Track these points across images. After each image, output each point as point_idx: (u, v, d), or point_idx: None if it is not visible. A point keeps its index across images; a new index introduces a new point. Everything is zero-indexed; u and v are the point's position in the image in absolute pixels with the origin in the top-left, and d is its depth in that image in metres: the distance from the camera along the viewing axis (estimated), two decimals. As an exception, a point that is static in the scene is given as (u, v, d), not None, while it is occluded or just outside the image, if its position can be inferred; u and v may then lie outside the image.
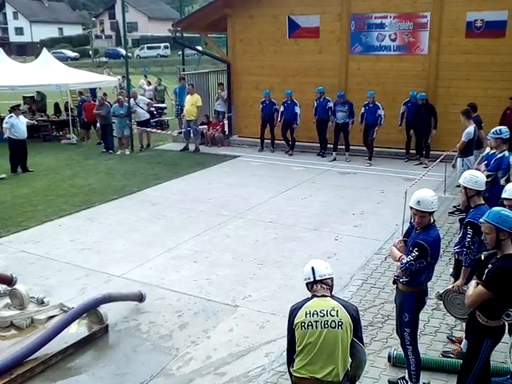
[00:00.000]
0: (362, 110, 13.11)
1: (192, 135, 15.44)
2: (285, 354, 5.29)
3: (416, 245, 4.26)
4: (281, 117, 14.18)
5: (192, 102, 15.23)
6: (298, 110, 14.01)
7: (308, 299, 3.58)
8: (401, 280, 4.45)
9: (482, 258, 4.33)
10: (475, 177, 5.04)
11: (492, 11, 12.50)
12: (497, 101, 12.23)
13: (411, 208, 4.33)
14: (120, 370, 5.16)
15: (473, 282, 3.94)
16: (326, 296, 3.56)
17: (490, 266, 3.84)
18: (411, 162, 13.13)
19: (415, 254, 4.23)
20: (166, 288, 6.80)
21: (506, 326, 4.18)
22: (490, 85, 12.64)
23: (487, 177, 7.08)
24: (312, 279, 3.58)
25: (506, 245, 3.84)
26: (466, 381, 4.03)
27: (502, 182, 7.28)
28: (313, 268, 3.58)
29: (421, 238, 4.27)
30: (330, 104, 13.71)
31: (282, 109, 14.15)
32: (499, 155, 7.61)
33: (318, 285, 3.57)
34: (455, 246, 5.25)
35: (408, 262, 4.26)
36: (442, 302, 4.92)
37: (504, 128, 7.87)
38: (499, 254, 3.85)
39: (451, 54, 13.10)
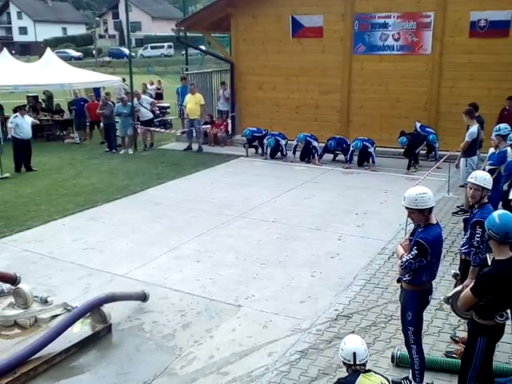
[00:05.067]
0: None
1: (194, 134, 15.45)
2: (288, 354, 5.32)
3: (415, 243, 4.28)
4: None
5: (195, 101, 15.24)
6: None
7: (355, 376, 3.53)
8: (404, 278, 4.46)
9: (488, 258, 4.31)
10: (486, 176, 5.10)
11: (496, 11, 12.48)
12: (500, 101, 12.17)
13: None
14: (123, 370, 5.16)
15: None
16: (370, 371, 3.59)
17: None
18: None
19: (414, 252, 4.24)
20: (168, 287, 6.80)
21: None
22: (493, 85, 12.61)
23: (490, 171, 7.13)
24: (352, 363, 3.57)
25: (494, 249, 3.79)
26: (466, 380, 4.03)
27: (505, 187, 7.33)
28: (354, 353, 3.56)
29: (420, 236, 4.29)
30: (315, 144, 13.47)
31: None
32: (502, 149, 7.91)
33: (356, 366, 3.57)
34: (462, 246, 5.23)
35: (407, 260, 4.28)
36: (449, 305, 4.86)
37: (503, 125, 8.25)
38: (495, 259, 3.83)
39: (455, 54, 13.08)
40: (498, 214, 3.82)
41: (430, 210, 4.32)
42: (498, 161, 7.78)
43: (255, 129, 14.47)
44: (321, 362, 5.12)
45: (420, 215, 4.32)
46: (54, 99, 20.76)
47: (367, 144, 12.84)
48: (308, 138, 13.47)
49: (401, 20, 13.51)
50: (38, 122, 15.45)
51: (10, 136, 13.54)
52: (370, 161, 12.91)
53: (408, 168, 12.47)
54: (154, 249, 8.07)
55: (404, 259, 4.31)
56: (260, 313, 6.14)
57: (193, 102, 15.26)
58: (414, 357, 4.54)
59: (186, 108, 15.49)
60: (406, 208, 4.36)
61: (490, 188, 5.09)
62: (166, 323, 5.97)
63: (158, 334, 5.77)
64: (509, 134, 8.03)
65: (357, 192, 10.95)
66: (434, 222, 4.37)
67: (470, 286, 3.81)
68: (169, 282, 6.95)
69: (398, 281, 4.61)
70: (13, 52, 39.33)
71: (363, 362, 3.56)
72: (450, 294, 4.77)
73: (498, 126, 8.18)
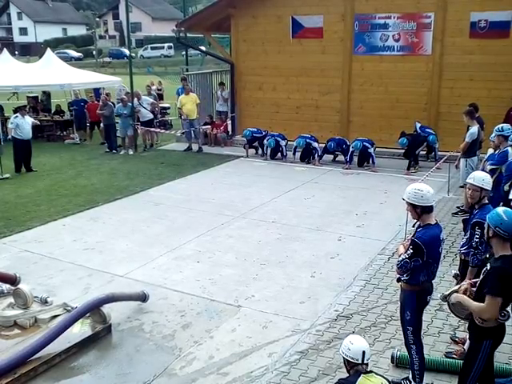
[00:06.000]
0: None
1: (193, 135, 15.45)
2: (288, 354, 5.32)
3: (411, 243, 4.29)
4: None
5: (192, 101, 15.25)
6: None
7: (356, 376, 3.52)
8: (402, 278, 4.47)
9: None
10: (485, 177, 5.09)
11: (496, 11, 12.48)
12: (500, 101, 12.21)
13: None
14: (123, 370, 5.16)
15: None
16: (371, 372, 3.58)
17: (487, 267, 3.82)
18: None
19: (410, 251, 4.26)
20: (168, 288, 6.80)
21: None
22: (493, 85, 12.62)
23: (491, 171, 7.13)
24: (360, 362, 3.56)
25: (498, 246, 3.77)
26: (466, 382, 4.01)
27: (506, 187, 7.32)
28: (364, 352, 3.55)
29: (416, 236, 4.30)
30: (315, 145, 13.47)
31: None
32: (503, 149, 7.83)
33: (363, 366, 3.57)
34: (462, 246, 5.23)
35: (403, 259, 4.29)
36: (446, 303, 4.87)
37: (506, 125, 8.17)
38: (495, 256, 3.81)
39: (455, 55, 13.08)
40: (503, 211, 3.77)
41: (424, 209, 4.29)
42: (500, 161, 7.72)
43: (255, 129, 14.48)
44: (321, 363, 5.12)
45: (412, 210, 4.35)
46: (51, 99, 20.76)
47: (367, 144, 12.85)
48: (308, 140, 13.48)
49: (401, 21, 13.51)
50: (38, 122, 15.45)
51: (10, 136, 13.55)
52: (370, 161, 12.92)
53: (408, 169, 12.47)
54: (154, 249, 8.07)
55: (400, 258, 4.34)
56: (260, 313, 6.14)
57: (190, 103, 15.25)
58: (413, 357, 4.54)
59: (184, 109, 15.40)
60: (403, 199, 4.40)
61: (489, 189, 5.08)
62: (165, 324, 5.97)
63: (157, 334, 5.77)
64: (511, 134, 7.97)
65: (357, 192, 10.95)
66: (433, 222, 4.36)
67: (487, 291, 3.70)
68: (169, 283, 6.95)
69: (398, 280, 4.61)
70: (16, 53, 39.30)
71: (368, 361, 3.57)
72: (447, 293, 4.77)
73: (500, 126, 8.03)
